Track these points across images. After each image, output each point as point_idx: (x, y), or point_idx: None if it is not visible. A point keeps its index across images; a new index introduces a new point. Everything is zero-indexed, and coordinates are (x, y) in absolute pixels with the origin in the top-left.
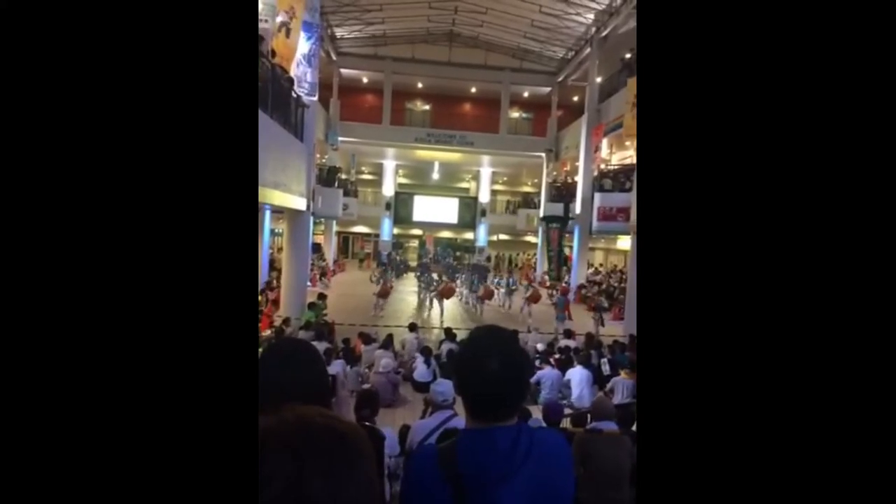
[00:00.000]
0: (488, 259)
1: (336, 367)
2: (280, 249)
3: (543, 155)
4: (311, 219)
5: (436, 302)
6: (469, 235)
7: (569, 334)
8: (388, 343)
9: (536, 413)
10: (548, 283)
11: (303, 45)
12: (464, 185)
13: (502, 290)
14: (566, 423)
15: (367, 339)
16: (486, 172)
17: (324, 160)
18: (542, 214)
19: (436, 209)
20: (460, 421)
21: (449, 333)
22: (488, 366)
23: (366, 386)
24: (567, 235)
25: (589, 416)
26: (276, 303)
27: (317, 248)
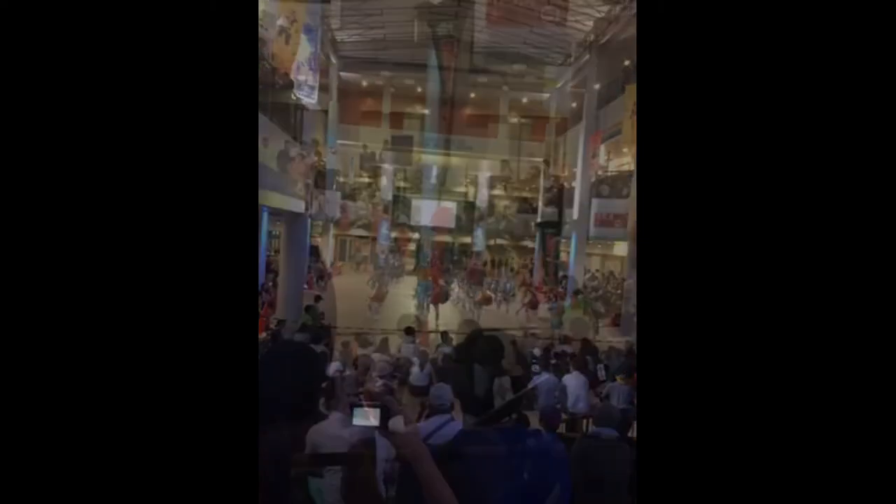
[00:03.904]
0: (485, 263)
1: (333, 369)
2: (277, 251)
3: (541, 160)
4: (309, 221)
5: (431, 307)
6: (467, 239)
7: (565, 339)
8: (384, 347)
9: (533, 419)
10: (545, 289)
11: (304, 48)
12: (462, 189)
13: (499, 295)
14: (561, 429)
15: (363, 342)
16: (484, 177)
17: (322, 163)
18: (538, 220)
19: (434, 213)
20: (458, 425)
21: (445, 338)
22: (485, 367)
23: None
24: (564, 241)
25: (588, 421)
26: (272, 305)
27: (314, 250)
